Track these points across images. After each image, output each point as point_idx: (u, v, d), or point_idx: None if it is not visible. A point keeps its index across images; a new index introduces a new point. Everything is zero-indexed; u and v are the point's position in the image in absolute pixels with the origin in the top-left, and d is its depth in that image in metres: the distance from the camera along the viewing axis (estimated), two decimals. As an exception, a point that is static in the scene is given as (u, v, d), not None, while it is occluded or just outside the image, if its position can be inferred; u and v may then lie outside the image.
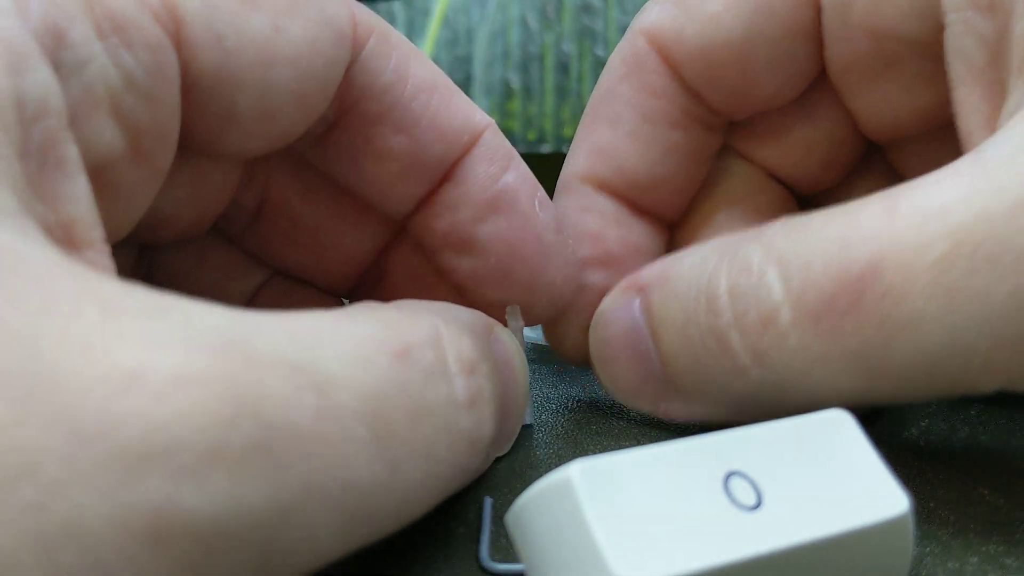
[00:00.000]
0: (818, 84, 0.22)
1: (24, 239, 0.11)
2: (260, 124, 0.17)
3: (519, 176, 0.20)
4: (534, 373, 0.25)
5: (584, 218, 0.21)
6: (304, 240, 0.21)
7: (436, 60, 0.64)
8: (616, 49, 0.22)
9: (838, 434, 0.14)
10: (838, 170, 0.23)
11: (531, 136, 0.63)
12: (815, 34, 0.20)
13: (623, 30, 0.67)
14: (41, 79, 0.12)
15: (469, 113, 0.20)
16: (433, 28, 0.54)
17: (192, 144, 0.17)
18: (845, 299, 0.15)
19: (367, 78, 0.18)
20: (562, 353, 0.22)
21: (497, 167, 0.20)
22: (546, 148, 0.64)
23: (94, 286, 0.11)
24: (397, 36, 0.19)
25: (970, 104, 0.17)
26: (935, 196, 0.14)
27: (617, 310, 0.19)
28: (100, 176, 0.14)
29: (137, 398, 0.10)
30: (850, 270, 0.15)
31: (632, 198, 0.21)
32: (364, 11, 0.18)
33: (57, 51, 0.13)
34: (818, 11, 0.20)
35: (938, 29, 0.18)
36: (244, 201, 0.20)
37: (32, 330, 0.10)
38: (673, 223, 0.23)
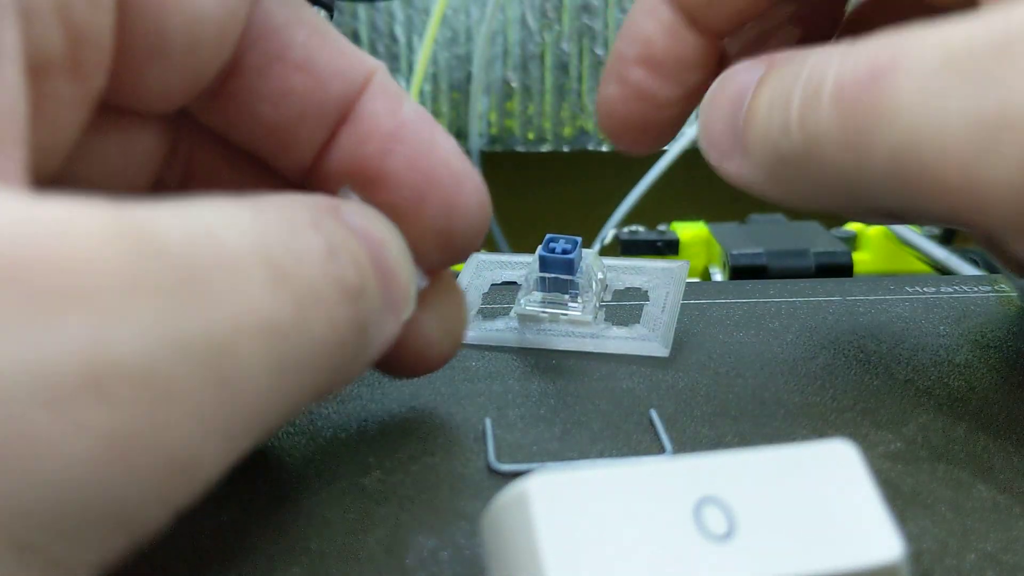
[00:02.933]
0: None
1: None
2: (186, 57, 0.17)
3: (416, 109, 0.20)
4: (531, 367, 0.25)
5: (644, 20, 0.23)
6: None
7: (435, 59, 0.64)
8: None
9: (838, 466, 0.13)
10: None
11: (531, 136, 0.63)
12: None
13: (623, 29, 0.67)
14: None
15: (361, 54, 0.20)
16: (433, 27, 0.54)
17: (120, 87, 0.17)
18: (862, 86, 0.16)
19: (265, 16, 0.19)
20: (615, 139, 0.24)
21: (394, 101, 0.20)
22: (546, 148, 0.64)
23: None
24: None
25: None
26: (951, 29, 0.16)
27: (741, 72, 0.21)
28: (37, 81, 0.14)
29: (40, 241, 0.09)
30: (874, 65, 0.16)
31: (692, 10, 0.23)
32: None
33: None
34: None
35: None
36: (168, 179, 0.21)
37: None
38: (724, 37, 0.24)
